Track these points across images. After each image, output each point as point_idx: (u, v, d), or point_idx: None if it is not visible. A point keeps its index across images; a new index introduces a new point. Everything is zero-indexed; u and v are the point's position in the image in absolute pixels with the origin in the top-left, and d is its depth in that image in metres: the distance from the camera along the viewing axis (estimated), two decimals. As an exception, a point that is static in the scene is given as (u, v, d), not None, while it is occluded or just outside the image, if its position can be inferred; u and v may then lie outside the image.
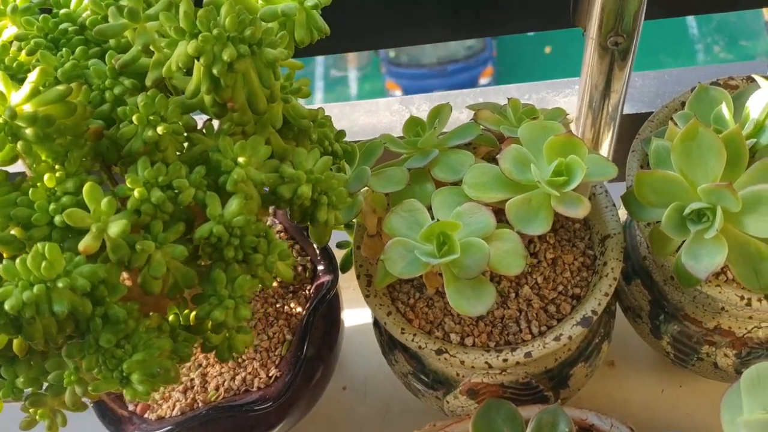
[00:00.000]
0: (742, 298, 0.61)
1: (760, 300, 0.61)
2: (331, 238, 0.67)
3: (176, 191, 0.48)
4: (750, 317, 0.64)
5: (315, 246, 0.75)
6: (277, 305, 0.73)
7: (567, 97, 0.83)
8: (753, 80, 0.67)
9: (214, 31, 0.48)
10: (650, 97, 0.80)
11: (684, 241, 0.59)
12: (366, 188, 0.62)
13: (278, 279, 0.74)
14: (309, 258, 0.75)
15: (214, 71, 0.48)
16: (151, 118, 0.49)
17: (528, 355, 0.62)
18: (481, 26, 0.74)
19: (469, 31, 0.74)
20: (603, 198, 0.69)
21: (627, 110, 0.80)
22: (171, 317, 0.53)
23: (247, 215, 0.49)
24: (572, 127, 0.80)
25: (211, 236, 0.48)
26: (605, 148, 0.81)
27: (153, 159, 0.50)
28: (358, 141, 0.65)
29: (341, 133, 0.64)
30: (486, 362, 0.62)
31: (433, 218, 0.59)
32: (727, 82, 0.71)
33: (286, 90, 0.55)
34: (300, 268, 0.75)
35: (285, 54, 0.50)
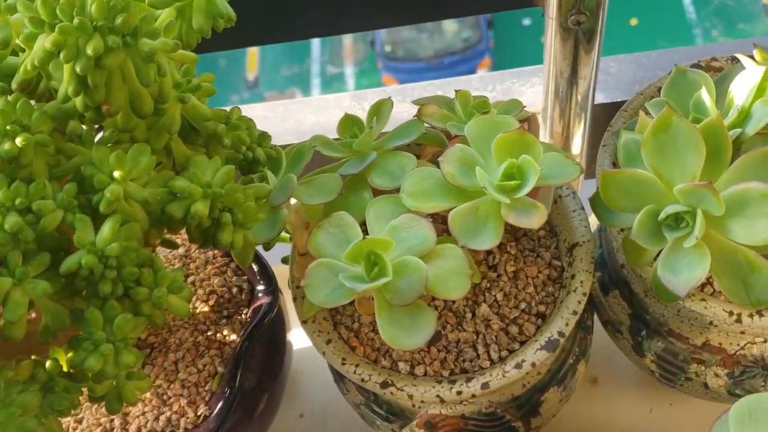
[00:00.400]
0: (731, 313, 0.53)
1: (751, 315, 0.52)
2: (278, 252, 0.59)
3: (39, 215, 0.40)
4: (742, 332, 0.55)
5: (251, 265, 0.66)
6: (209, 333, 0.64)
7: (535, 86, 0.75)
8: (738, 61, 0.59)
9: (76, 21, 0.39)
10: (627, 84, 0.72)
11: (662, 250, 0.51)
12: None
13: (210, 303, 0.66)
14: (246, 278, 0.67)
15: (78, 69, 0.40)
16: (9, 128, 0.41)
17: (485, 386, 0.53)
18: (432, 9, 0.65)
19: (419, 14, 0.65)
20: (570, 201, 0.60)
21: (601, 99, 0.72)
22: (49, 363, 0.44)
23: (126, 241, 0.40)
24: (540, 120, 0.71)
25: (81, 269, 0.40)
26: (577, 142, 0.72)
27: (16, 176, 0.42)
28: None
29: (264, 137, 0.55)
30: (437, 395, 0.54)
31: (368, 233, 0.51)
32: (709, 64, 0.63)
33: (182, 88, 0.46)
34: (235, 290, 0.66)
35: (170, 45, 0.42)
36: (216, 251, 0.69)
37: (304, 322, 0.58)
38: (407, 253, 0.47)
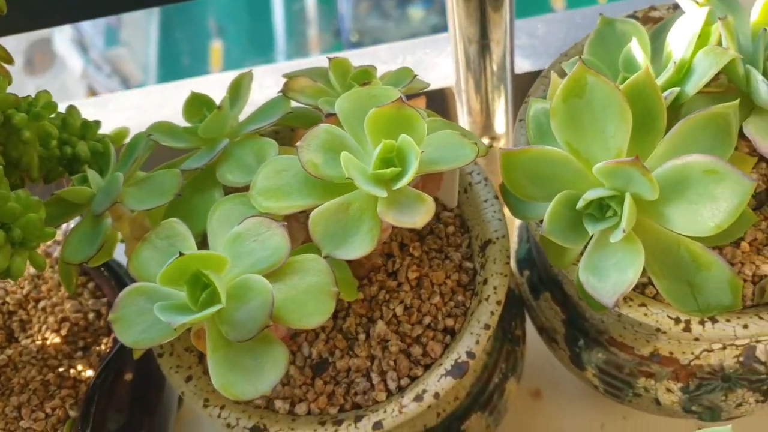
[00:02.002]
0: (677, 320, 0.42)
1: (702, 322, 0.42)
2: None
3: None
4: (696, 339, 0.44)
5: (113, 284, 0.55)
6: (60, 369, 0.53)
7: (450, 56, 0.63)
8: (679, 7, 0.48)
9: None
10: (558, 47, 0.60)
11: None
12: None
13: (62, 332, 0.54)
14: (106, 300, 0.55)
15: None
16: None
17: (378, 425, 0.43)
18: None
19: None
20: (483, 189, 0.49)
21: (526, 67, 0.61)
22: None
23: None
24: (455, 94, 0.60)
25: None
26: (500, 118, 0.61)
27: None
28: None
29: (88, 127, 0.44)
30: (319, 441, 0.43)
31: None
32: (647, 15, 0.52)
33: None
34: (92, 315, 0.55)
35: None
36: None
37: (159, 356, 0.47)
38: (251, 270, 0.36)
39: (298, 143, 0.39)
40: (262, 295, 0.35)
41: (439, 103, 0.62)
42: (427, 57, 0.64)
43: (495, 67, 0.55)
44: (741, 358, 0.47)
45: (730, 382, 0.48)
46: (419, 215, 0.38)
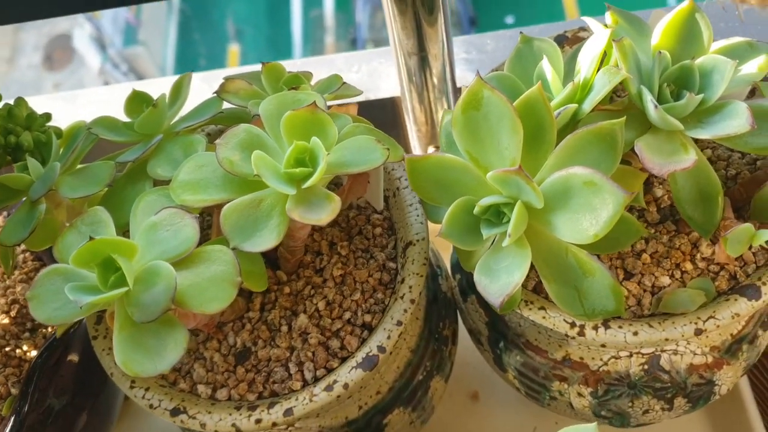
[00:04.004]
0: (572, 325, 0.44)
1: (595, 328, 0.44)
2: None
3: None
4: (603, 345, 0.46)
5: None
6: (7, 348, 0.56)
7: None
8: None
9: None
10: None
11: (490, 250, 0.42)
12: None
13: (12, 314, 0.57)
14: (56, 283, 0.58)
15: None
16: None
17: (288, 412, 0.45)
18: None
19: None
20: (409, 194, 0.52)
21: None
22: None
23: None
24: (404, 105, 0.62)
25: None
26: (443, 127, 0.63)
27: None
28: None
29: (32, 118, 0.47)
30: (233, 424, 0.45)
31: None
32: (576, 35, 0.54)
33: None
34: (42, 297, 0.58)
35: None
36: (27, 254, 0.60)
37: (94, 338, 0.50)
38: (161, 258, 0.39)
39: (217, 141, 0.42)
40: (166, 281, 0.37)
41: (391, 110, 0.65)
42: (381, 66, 0.66)
43: (435, 80, 0.57)
44: (646, 366, 0.49)
45: (635, 389, 0.50)
46: (325, 213, 0.40)
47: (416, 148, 0.66)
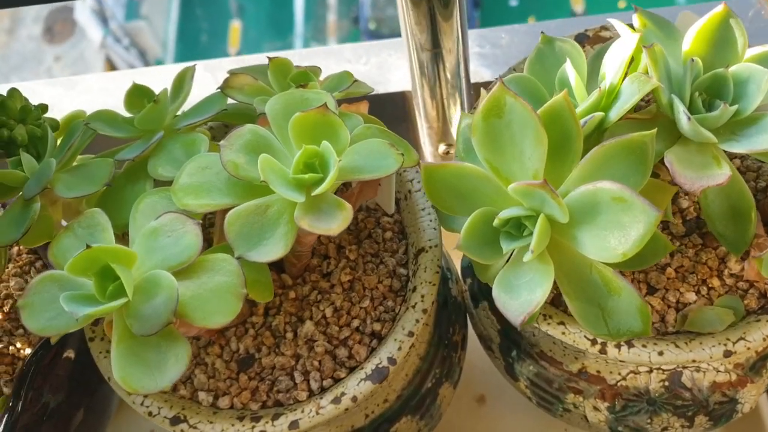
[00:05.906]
0: (594, 342, 0.42)
1: (618, 346, 0.42)
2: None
3: None
4: (623, 360, 0.44)
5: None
6: (0, 345, 0.54)
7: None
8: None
9: None
10: (519, 58, 0.60)
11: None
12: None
13: (5, 309, 0.55)
14: (53, 279, 0.56)
15: None
16: None
17: (294, 425, 0.43)
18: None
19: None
20: (421, 198, 0.49)
21: (487, 76, 0.61)
22: None
23: None
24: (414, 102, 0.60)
25: None
26: (456, 125, 0.61)
27: None
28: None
29: (27, 111, 0.44)
30: (235, 436, 0.43)
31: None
32: (598, 34, 0.52)
33: None
34: (38, 294, 0.56)
35: None
36: (21, 247, 0.58)
37: (90, 340, 0.48)
38: (162, 266, 0.37)
39: (221, 142, 0.39)
40: (167, 292, 0.35)
41: (401, 105, 0.63)
42: (391, 59, 0.64)
43: (449, 75, 0.55)
44: (666, 383, 0.47)
45: (655, 406, 0.48)
46: (336, 222, 0.38)
47: (426, 145, 0.63)
